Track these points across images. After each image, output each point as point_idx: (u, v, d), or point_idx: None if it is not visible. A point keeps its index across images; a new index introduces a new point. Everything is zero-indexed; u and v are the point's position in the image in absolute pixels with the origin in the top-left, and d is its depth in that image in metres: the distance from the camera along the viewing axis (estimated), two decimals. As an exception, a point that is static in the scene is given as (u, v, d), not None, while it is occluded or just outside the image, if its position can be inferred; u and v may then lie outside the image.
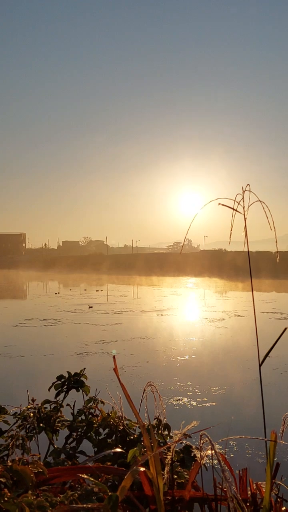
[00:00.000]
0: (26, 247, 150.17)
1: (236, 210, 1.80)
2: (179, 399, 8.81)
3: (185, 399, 8.85)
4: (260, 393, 1.80)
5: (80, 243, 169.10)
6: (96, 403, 2.42)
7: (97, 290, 39.72)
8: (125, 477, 1.33)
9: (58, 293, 36.89)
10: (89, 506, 1.30)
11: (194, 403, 8.59)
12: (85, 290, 38.78)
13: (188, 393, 9.20)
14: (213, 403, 8.60)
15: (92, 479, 1.46)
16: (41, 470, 1.51)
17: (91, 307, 25.27)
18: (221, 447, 4.95)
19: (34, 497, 1.34)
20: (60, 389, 2.42)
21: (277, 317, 20.71)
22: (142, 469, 1.43)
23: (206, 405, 8.51)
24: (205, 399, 8.84)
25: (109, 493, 1.30)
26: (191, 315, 23.66)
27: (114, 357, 1.81)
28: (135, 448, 1.56)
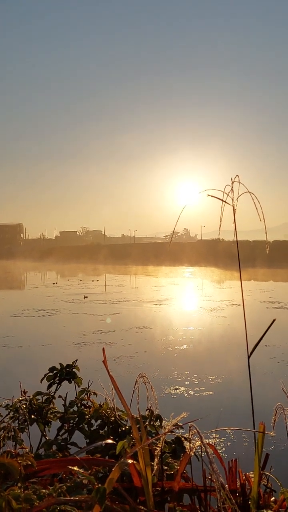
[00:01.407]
0: (24, 238, 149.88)
1: (225, 202, 1.80)
2: (176, 389, 8.85)
3: (182, 388, 8.89)
4: (253, 384, 1.80)
5: (78, 233, 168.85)
6: (88, 394, 2.42)
7: (92, 280, 39.73)
8: (113, 469, 1.33)
9: (56, 283, 36.91)
10: (77, 498, 1.31)
11: (192, 392, 8.63)
12: (80, 280, 38.76)
13: (186, 382, 9.24)
14: (211, 392, 8.64)
15: (81, 471, 1.46)
16: (30, 463, 1.51)
17: (86, 297, 25.32)
18: (214, 435, 4.98)
19: (22, 490, 1.34)
20: (52, 380, 2.43)
21: (275, 306, 20.77)
22: (130, 461, 1.44)
23: (204, 394, 8.55)
24: (203, 388, 8.88)
25: (97, 485, 1.31)
26: (189, 304, 23.70)
27: (103, 349, 1.81)
28: (124, 440, 1.57)
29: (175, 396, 8.43)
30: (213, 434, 6.12)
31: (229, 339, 14.10)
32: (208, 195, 1.75)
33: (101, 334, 14.52)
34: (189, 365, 10.68)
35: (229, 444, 6.18)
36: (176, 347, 12.53)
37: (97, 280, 40.21)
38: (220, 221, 1.83)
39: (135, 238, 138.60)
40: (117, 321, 17.35)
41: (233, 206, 1.72)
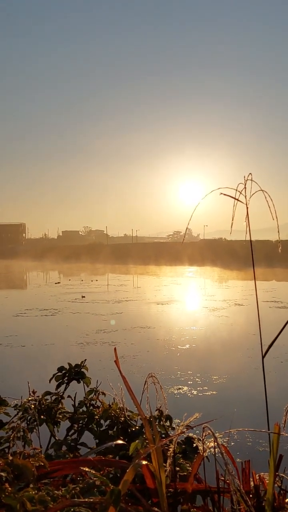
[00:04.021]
0: (26, 237, 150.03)
1: (238, 200, 1.78)
2: (179, 388, 8.84)
3: (185, 388, 8.87)
4: (263, 384, 1.78)
5: (80, 233, 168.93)
6: (97, 394, 2.41)
7: (95, 280, 39.71)
8: (127, 470, 1.31)
9: (59, 282, 36.92)
10: (91, 500, 1.29)
11: (195, 392, 8.61)
12: (82, 280, 38.75)
13: (189, 382, 9.22)
14: (214, 392, 8.62)
15: (93, 472, 1.44)
16: (42, 464, 1.50)
17: (84, 296, 25.34)
18: (222, 435, 4.96)
19: (36, 491, 1.33)
20: (61, 380, 2.41)
21: (278, 306, 20.73)
22: (144, 462, 1.42)
23: (207, 394, 8.54)
24: (206, 388, 8.86)
25: (111, 487, 1.29)
26: (192, 304, 23.68)
27: (115, 348, 1.79)
28: (137, 441, 1.55)
29: (178, 396, 8.42)
30: (218, 436, 6.10)
31: (232, 338, 14.08)
32: (221, 193, 1.74)
33: (104, 334, 14.51)
34: (192, 364, 10.67)
35: (233, 444, 6.17)
36: (179, 347, 12.52)
37: (96, 280, 40.21)
38: (232, 220, 1.81)
39: (137, 238, 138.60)
40: (119, 320, 17.35)
41: (246, 204, 1.70)
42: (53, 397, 2.38)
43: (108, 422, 2.26)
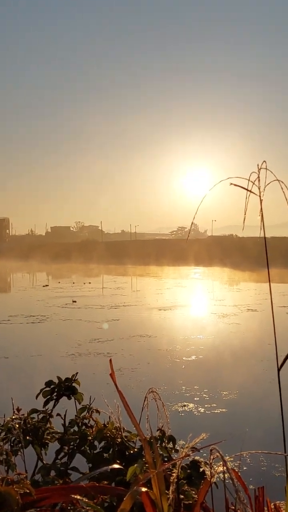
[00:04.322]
0: (10, 234, 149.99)
1: (250, 191, 1.78)
2: (184, 405, 8.85)
3: (191, 405, 8.88)
4: (279, 400, 1.78)
5: (71, 229, 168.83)
6: (90, 412, 2.41)
7: (85, 283, 39.73)
8: (125, 499, 1.31)
9: (47, 285, 36.93)
10: (83, 532, 1.29)
11: (202, 410, 8.62)
12: (73, 283, 38.79)
13: (195, 398, 9.23)
14: (223, 409, 8.63)
15: (86, 500, 1.45)
16: (27, 491, 1.50)
17: (75, 301, 25.36)
18: (232, 458, 4.96)
19: (20, 522, 1.33)
20: (49, 396, 2.41)
21: (296, 312, 20.75)
22: (144, 489, 1.42)
23: (216, 411, 8.55)
24: (215, 405, 8.87)
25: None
26: (198, 309, 23.70)
27: (110, 360, 1.79)
28: (135, 465, 1.55)
29: (182, 414, 8.43)
30: (228, 460, 6.10)
31: (244, 348, 14.08)
32: (232, 184, 1.74)
33: (99, 343, 14.52)
34: (199, 378, 10.67)
35: (246, 469, 6.17)
36: (184, 358, 12.53)
37: (89, 283, 40.21)
38: (245, 214, 1.81)
39: (136, 234, 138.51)
40: (116, 328, 17.35)
41: (260, 196, 1.70)
42: (41, 416, 2.38)
43: (103, 443, 2.26)
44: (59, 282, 40.26)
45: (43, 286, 36.56)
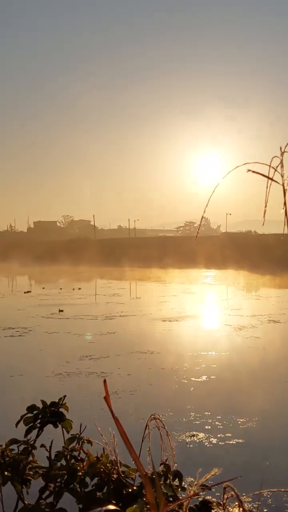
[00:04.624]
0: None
1: (271, 179, 1.78)
2: (193, 435, 8.86)
3: (201, 434, 8.89)
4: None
5: (58, 224, 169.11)
6: (81, 443, 2.41)
7: (74, 289, 39.78)
8: None
9: (29, 291, 36.98)
10: None
11: (214, 440, 8.63)
12: (60, 289, 38.82)
13: (206, 427, 9.23)
14: (240, 440, 8.63)
15: None
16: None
17: (62, 310, 25.39)
18: (250, 498, 4.97)
19: None
20: (31, 424, 2.41)
21: None
22: (144, 534, 1.43)
23: (230, 442, 8.55)
24: (229, 434, 8.88)
25: None
26: (210, 321, 23.71)
27: (105, 380, 1.80)
28: (134, 506, 1.56)
29: (191, 446, 8.44)
30: (248, 498, 6.11)
31: (264, 367, 14.10)
32: (249, 170, 1.74)
33: (91, 361, 14.53)
34: (210, 403, 10.68)
35: (266, 511, 6.18)
36: (192, 379, 12.54)
37: (82, 288, 40.25)
38: (265, 207, 1.82)
39: (135, 231, 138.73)
40: (112, 343, 17.37)
41: (283, 185, 1.70)
42: (21, 447, 2.39)
43: (95, 480, 2.26)
44: (43, 288, 40.29)
45: (25, 292, 36.60)
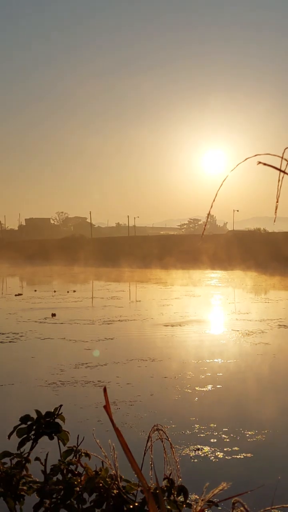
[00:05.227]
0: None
1: (284, 172, 1.79)
2: (198, 449, 8.87)
3: (207, 448, 8.90)
4: None
5: (52, 221, 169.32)
6: (78, 456, 2.42)
7: (69, 291, 39.78)
8: None
9: (20, 294, 36.97)
10: None
11: (221, 454, 8.63)
12: (54, 291, 38.84)
13: (212, 440, 9.24)
14: (248, 454, 8.64)
15: None
16: None
17: (54, 314, 25.39)
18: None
19: None
20: (25, 436, 2.42)
21: None
22: None
23: (238, 456, 8.56)
24: (236, 448, 8.89)
25: None
26: (215, 326, 23.71)
27: (105, 388, 1.81)
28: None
29: (196, 460, 8.45)
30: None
31: (274, 375, 14.10)
32: (259, 162, 1.75)
33: (87, 369, 14.54)
34: (216, 414, 10.69)
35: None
36: (197, 388, 12.54)
37: (77, 291, 40.25)
38: (277, 202, 1.84)
39: (135, 229, 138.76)
40: (110, 350, 17.37)
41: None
42: (14, 460, 2.39)
43: (94, 496, 2.27)
44: (35, 290, 40.30)
45: (16, 295, 36.60)
